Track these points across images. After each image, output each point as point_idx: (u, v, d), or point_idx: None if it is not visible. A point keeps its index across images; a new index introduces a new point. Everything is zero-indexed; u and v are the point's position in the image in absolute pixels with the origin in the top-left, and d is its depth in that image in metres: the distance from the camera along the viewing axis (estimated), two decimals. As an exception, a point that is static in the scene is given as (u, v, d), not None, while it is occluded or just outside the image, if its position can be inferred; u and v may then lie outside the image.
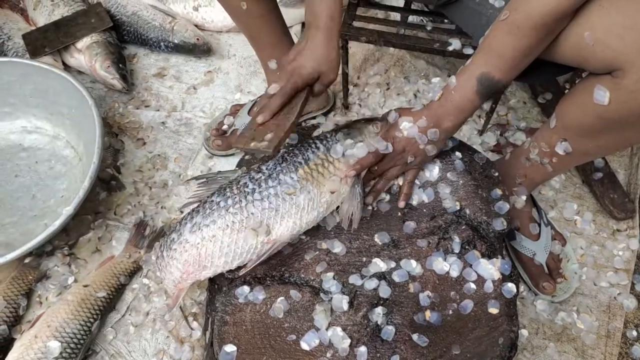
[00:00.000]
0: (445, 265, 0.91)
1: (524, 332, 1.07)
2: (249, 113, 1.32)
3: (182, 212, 1.24)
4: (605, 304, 1.14)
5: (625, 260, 1.19)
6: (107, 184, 1.31)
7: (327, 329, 0.85)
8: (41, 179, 1.31)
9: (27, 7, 1.65)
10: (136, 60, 1.60)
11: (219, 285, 0.94)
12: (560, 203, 1.28)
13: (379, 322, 0.86)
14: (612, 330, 1.11)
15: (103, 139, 1.17)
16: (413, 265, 0.91)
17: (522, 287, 1.14)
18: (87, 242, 1.23)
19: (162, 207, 1.28)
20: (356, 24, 1.23)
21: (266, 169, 0.93)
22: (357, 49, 1.58)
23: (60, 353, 0.99)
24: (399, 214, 0.97)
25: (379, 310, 0.87)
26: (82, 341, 1.03)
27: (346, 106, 1.44)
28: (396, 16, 1.39)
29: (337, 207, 0.95)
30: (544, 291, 1.11)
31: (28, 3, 1.64)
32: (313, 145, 0.95)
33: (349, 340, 0.84)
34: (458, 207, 0.97)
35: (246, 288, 0.90)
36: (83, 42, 1.51)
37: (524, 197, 1.10)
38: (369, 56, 1.58)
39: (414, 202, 0.98)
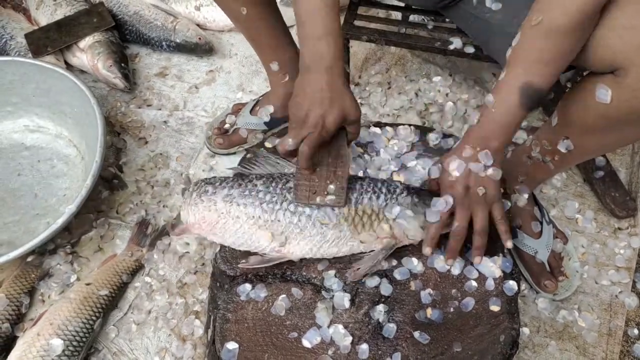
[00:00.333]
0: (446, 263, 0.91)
1: (525, 330, 1.07)
2: (251, 112, 1.33)
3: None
4: (607, 302, 1.14)
5: (626, 259, 1.19)
6: (109, 182, 1.31)
7: (328, 327, 0.86)
8: (43, 177, 1.31)
9: (30, 7, 1.65)
10: (138, 60, 1.61)
11: (221, 283, 0.94)
12: (562, 201, 1.28)
13: (380, 320, 0.86)
14: (613, 329, 1.11)
15: (105, 137, 1.18)
16: (414, 263, 0.91)
17: (523, 285, 1.14)
18: (89, 240, 1.23)
19: (164, 206, 1.29)
20: (357, 23, 1.23)
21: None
22: (358, 48, 1.58)
23: (63, 351, 1.00)
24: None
25: (381, 307, 0.87)
26: (84, 339, 1.04)
27: (348, 105, 1.44)
28: (397, 15, 1.39)
29: None
30: (546, 289, 1.11)
31: (30, 3, 1.65)
32: (373, 189, 0.92)
33: (350, 338, 0.84)
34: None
35: (248, 286, 0.90)
36: (85, 42, 1.51)
37: (525, 196, 1.10)
38: (370, 55, 1.59)
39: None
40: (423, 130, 1.09)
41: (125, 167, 1.36)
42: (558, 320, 1.11)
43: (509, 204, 0.98)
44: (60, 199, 1.27)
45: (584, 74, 0.88)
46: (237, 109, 1.38)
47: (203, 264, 1.18)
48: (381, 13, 1.51)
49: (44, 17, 1.59)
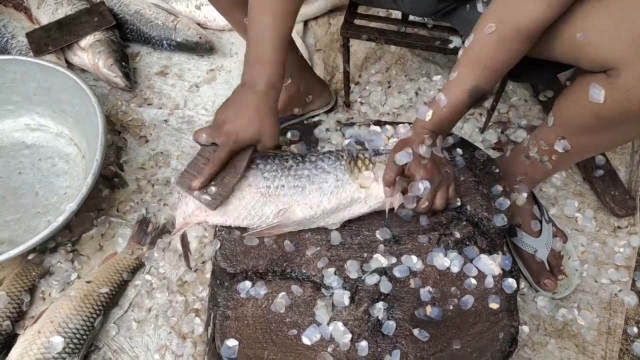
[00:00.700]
0: (446, 260, 0.91)
1: (524, 329, 1.08)
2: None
3: None
4: (606, 301, 1.14)
5: (626, 257, 1.19)
6: (109, 181, 1.31)
7: (328, 324, 0.86)
8: (44, 176, 1.32)
9: (31, 6, 1.66)
10: (139, 59, 1.61)
11: (221, 281, 0.94)
12: (561, 200, 1.28)
13: (380, 317, 0.87)
14: (612, 327, 1.11)
15: (106, 136, 1.18)
16: (414, 261, 0.91)
17: (523, 284, 1.14)
18: (90, 238, 1.24)
19: (164, 204, 1.29)
20: (357, 22, 1.23)
21: (310, 155, 0.99)
22: (358, 47, 1.58)
23: (64, 348, 1.00)
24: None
25: (380, 305, 0.87)
26: (85, 337, 1.04)
27: (347, 104, 1.44)
28: (397, 14, 1.39)
29: None
30: (545, 288, 1.12)
31: (32, 2, 1.65)
32: (363, 149, 1.01)
33: (350, 335, 0.85)
34: (459, 203, 0.97)
35: (248, 283, 0.90)
36: (86, 41, 1.52)
37: (525, 195, 1.10)
38: (370, 54, 1.59)
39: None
40: None
41: (126, 166, 1.36)
42: (557, 319, 1.11)
43: (508, 202, 0.98)
44: (61, 197, 1.28)
45: (579, 73, 0.88)
46: (237, 108, 1.38)
47: (203, 262, 1.19)
48: (381, 12, 1.51)
49: (45, 16, 1.59)
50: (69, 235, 1.22)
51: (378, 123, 1.09)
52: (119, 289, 1.14)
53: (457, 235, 0.94)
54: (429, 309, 0.87)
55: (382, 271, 0.91)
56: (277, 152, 1.01)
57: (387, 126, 1.07)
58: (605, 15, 0.75)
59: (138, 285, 1.16)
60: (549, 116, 0.96)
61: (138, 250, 1.19)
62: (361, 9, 1.26)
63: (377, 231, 0.95)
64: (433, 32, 1.24)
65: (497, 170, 1.02)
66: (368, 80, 1.52)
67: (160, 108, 1.49)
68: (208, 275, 1.14)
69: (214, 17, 1.64)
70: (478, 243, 0.94)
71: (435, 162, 0.90)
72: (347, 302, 0.87)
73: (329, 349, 0.84)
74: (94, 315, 1.07)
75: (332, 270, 0.91)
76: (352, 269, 0.90)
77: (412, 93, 1.48)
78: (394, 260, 0.92)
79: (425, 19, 1.33)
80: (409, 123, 1.08)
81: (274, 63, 0.89)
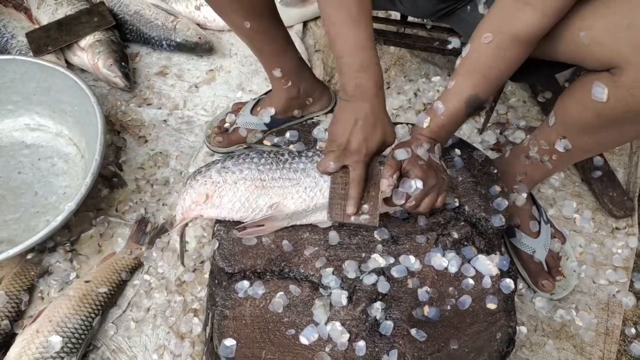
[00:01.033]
0: (443, 261, 0.91)
1: (522, 329, 1.07)
2: (251, 112, 1.33)
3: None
4: (604, 302, 1.15)
5: (624, 258, 1.19)
6: (109, 181, 1.32)
7: (326, 324, 0.86)
8: (43, 175, 1.32)
9: (31, 6, 1.66)
10: (138, 59, 1.61)
11: (219, 280, 0.94)
12: (560, 201, 1.28)
13: (377, 317, 0.87)
14: (610, 328, 1.11)
15: (105, 136, 1.18)
16: (412, 261, 0.91)
17: (521, 284, 1.15)
18: (88, 238, 1.24)
19: (163, 204, 1.29)
20: (357, 22, 1.23)
21: (306, 150, 1.00)
22: (358, 48, 1.58)
23: (62, 348, 1.00)
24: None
25: (378, 305, 0.87)
26: (83, 336, 1.04)
27: (347, 105, 1.44)
28: (396, 15, 1.39)
29: None
30: (543, 289, 1.12)
31: (32, 2, 1.65)
32: None
33: (347, 335, 0.85)
34: (457, 204, 0.97)
35: (246, 283, 0.91)
36: (86, 41, 1.52)
37: (524, 195, 1.10)
38: (370, 55, 1.59)
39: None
40: None
41: (125, 166, 1.37)
42: (555, 320, 1.11)
43: (506, 202, 0.98)
44: (60, 197, 1.28)
45: (582, 73, 0.88)
46: (237, 108, 1.39)
47: (202, 262, 1.19)
48: (380, 13, 1.51)
49: (45, 16, 1.60)
50: (68, 234, 1.22)
51: None
52: (118, 288, 1.14)
53: (455, 235, 0.94)
54: (426, 309, 0.87)
55: (380, 271, 0.91)
56: (274, 148, 1.02)
57: None
58: (608, 14, 0.75)
59: (136, 285, 1.16)
60: (549, 116, 0.96)
61: (137, 250, 1.19)
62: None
63: (375, 231, 0.95)
64: (432, 33, 1.24)
65: (495, 171, 1.03)
66: (367, 81, 1.52)
67: (160, 108, 1.49)
68: (206, 275, 1.14)
69: (213, 17, 1.64)
70: (476, 243, 0.94)
71: (431, 165, 0.90)
72: (344, 302, 0.87)
73: (327, 349, 0.84)
74: (93, 315, 1.07)
75: (330, 270, 0.91)
76: (350, 269, 0.91)
77: (411, 94, 1.48)
78: (391, 260, 0.92)
79: (425, 20, 1.33)
80: (407, 123, 1.09)
81: (373, 65, 0.87)
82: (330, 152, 0.90)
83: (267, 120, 1.31)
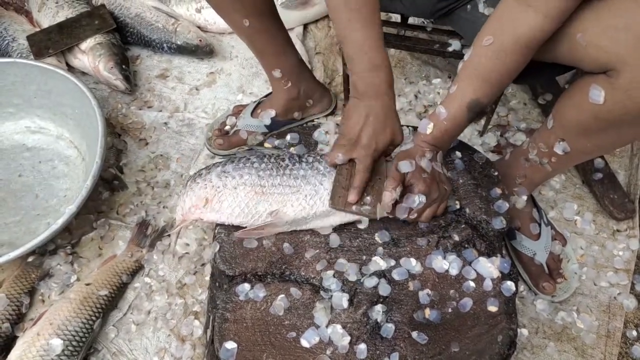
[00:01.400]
0: (444, 263, 0.91)
1: (524, 332, 1.07)
2: (251, 114, 1.33)
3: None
4: (605, 304, 1.14)
5: (625, 261, 1.19)
6: (109, 183, 1.32)
7: (327, 327, 0.86)
8: (44, 178, 1.32)
9: (32, 9, 1.66)
10: (139, 62, 1.61)
11: (220, 283, 0.94)
12: (561, 203, 1.28)
13: (378, 320, 0.87)
14: (612, 330, 1.11)
15: (106, 139, 1.18)
16: (413, 264, 0.91)
17: (522, 287, 1.14)
18: (89, 241, 1.24)
19: (164, 207, 1.29)
20: (357, 25, 1.23)
21: (307, 156, 0.99)
22: (359, 51, 1.58)
23: (63, 351, 1.00)
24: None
25: (379, 308, 0.87)
26: (84, 339, 1.04)
27: (347, 107, 1.45)
28: (397, 17, 1.39)
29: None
30: (544, 291, 1.12)
31: (33, 5, 1.66)
32: None
33: (348, 338, 0.85)
34: (458, 206, 0.97)
35: (247, 286, 0.91)
36: (87, 44, 1.52)
37: (524, 197, 1.10)
38: (370, 58, 1.59)
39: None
40: None
41: (126, 168, 1.37)
42: (557, 322, 1.11)
43: (507, 204, 0.98)
44: (61, 200, 1.28)
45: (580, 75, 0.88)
46: (237, 110, 1.39)
47: (202, 265, 1.19)
48: (381, 15, 1.51)
49: (46, 19, 1.60)
50: (69, 237, 1.22)
51: None
52: (118, 291, 1.14)
53: (456, 238, 0.94)
54: (427, 311, 0.87)
55: (381, 274, 0.91)
56: (275, 151, 1.02)
57: None
58: (605, 16, 0.75)
59: (137, 288, 1.16)
60: (548, 118, 0.96)
61: (137, 252, 1.19)
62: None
63: (376, 234, 0.95)
64: (432, 35, 1.24)
65: (496, 173, 1.03)
66: (368, 83, 1.52)
67: (161, 111, 1.49)
68: (207, 278, 1.14)
69: (214, 20, 1.64)
70: (477, 246, 0.94)
71: (434, 177, 0.91)
72: (345, 304, 0.87)
73: (328, 352, 0.84)
74: (93, 318, 1.07)
75: (331, 272, 0.91)
76: (351, 271, 0.91)
77: (411, 96, 1.48)
78: (392, 262, 0.92)
79: (425, 21, 1.33)
80: (409, 126, 1.09)
81: (384, 64, 0.89)
82: (340, 145, 0.92)
83: (268, 122, 1.32)
